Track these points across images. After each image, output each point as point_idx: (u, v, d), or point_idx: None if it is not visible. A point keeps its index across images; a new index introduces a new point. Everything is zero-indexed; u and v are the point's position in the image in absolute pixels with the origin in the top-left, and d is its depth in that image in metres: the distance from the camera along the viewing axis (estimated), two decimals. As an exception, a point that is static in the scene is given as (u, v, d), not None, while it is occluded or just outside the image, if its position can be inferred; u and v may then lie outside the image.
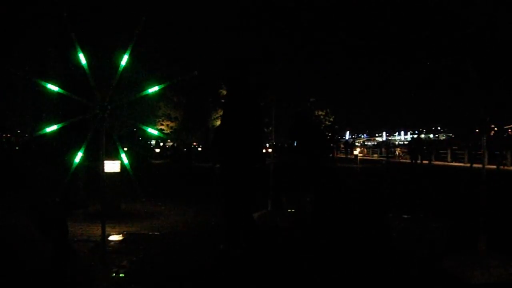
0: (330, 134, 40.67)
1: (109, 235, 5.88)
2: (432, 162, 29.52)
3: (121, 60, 4.05)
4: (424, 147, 27.80)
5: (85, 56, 3.93)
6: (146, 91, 4.19)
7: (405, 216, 5.59)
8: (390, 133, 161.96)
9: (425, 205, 8.95)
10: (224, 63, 4.53)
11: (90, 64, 3.95)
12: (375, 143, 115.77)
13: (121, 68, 4.00)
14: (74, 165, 4.15)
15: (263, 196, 7.13)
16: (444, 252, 4.67)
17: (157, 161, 30.43)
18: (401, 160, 36.35)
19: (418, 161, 26.08)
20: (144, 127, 4.53)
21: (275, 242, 5.84)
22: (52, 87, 3.88)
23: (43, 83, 3.82)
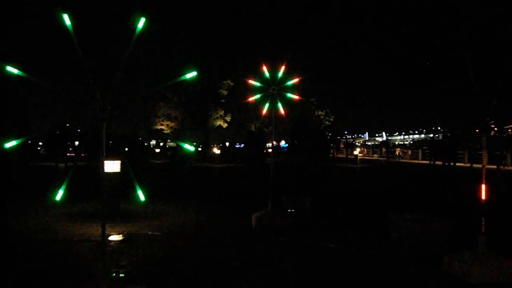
0: (330, 134, 40.67)
1: (109, 235, 5.88)
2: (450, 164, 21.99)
3: (120, 61, 4.04)
4: (458, 148, 21.97)
5: (84, 56, 3.92)
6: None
7: (406, 216, 5.59)
8: (390, 133, 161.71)
9: (424, 205, 8.95)
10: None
11: (89, 64, 3.95)
12: (375, 143, 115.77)
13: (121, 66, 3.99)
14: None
15: (263, 196, 7.14)
16: (444, 252, 4.67)
17: (157, 161, 30.43)
18: (402, 160, 36.33)
19: (452, 163, 20.92)
20: (181, 143, 4.47)
21: (275, 242, 5.84)
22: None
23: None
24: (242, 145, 43.99)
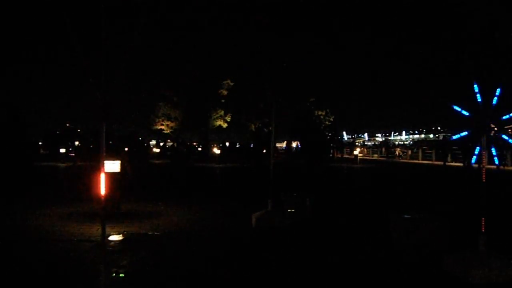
0: (330, 134, 40.61)
1: (109, 235, 5.88)
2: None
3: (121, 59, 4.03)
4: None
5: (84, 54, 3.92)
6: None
7: (406, 216, 5.59)
8: (390, 133, 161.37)
9: (424, 205, 8.94)
10: None
11: (89, 64, 3.95)
12: (375, 143, 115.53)
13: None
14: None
15: (263, 196, 7.13)
16: (444, 252, 4.66)
17: (157, 161, 30.42)
18: (402, 160, 36.29)
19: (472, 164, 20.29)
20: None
21: (275, 241, 5.84)
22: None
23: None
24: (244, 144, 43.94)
